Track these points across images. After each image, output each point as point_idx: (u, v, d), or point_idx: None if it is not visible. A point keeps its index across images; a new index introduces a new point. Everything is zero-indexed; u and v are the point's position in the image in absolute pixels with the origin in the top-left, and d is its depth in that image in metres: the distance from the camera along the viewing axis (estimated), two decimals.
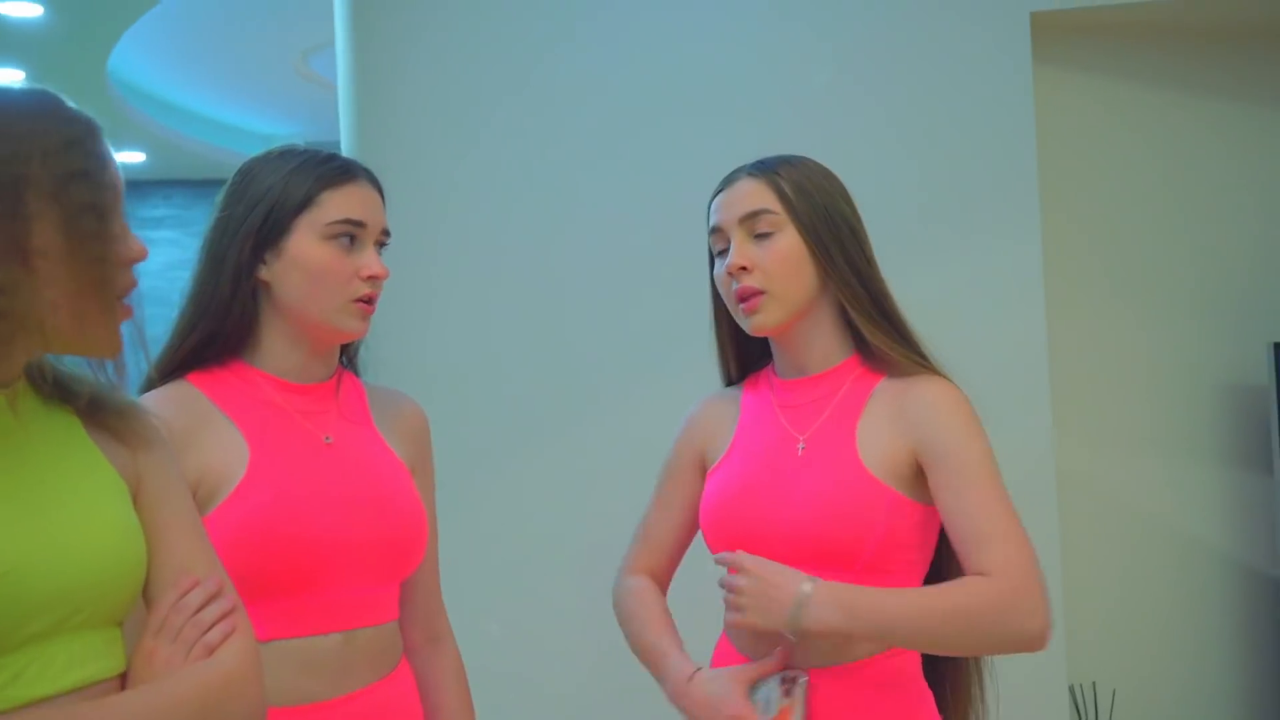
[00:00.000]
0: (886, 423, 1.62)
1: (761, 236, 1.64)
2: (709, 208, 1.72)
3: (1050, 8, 3.05)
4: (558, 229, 3.06)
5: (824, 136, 2.88)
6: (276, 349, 1.60)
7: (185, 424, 1.52)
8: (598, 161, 3.01)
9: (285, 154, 1.59)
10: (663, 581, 1.83)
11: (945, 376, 1.65)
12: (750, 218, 1.65)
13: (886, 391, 1.64)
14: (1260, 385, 3.30)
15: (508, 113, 3.05)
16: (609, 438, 2.99)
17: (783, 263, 1.63)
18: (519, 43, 3.05)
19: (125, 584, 1.22)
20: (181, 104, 7.50)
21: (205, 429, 1.54)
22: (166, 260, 9.02)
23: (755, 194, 1.66)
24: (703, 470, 1.78)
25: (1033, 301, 3.02)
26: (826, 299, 1.67)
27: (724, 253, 1.68)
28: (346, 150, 3.21)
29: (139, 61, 6.60)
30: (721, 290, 1.70)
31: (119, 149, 6.17)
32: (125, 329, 1.23)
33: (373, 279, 1.57)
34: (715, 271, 1.71)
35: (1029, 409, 2.98)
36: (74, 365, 1.27)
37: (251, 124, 7.80)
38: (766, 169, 1.67)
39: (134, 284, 1.21)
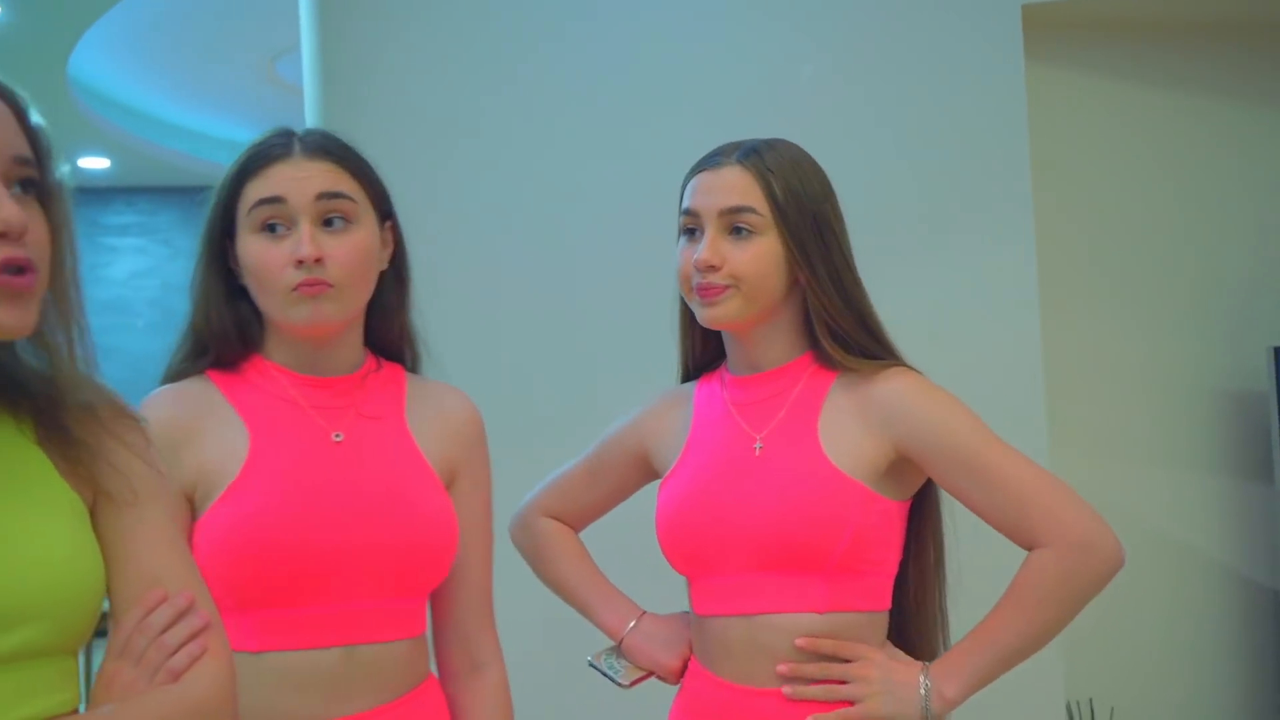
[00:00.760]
0: (851, 418, 1.55)
1: (739, 233, 1.55)
2: (686, 183, 1.61)
3: (1042, 1, 2.98)
4: (533, 231, 2.98)
5: (808, 134, 2.74)
6: (282, 344, 1.51)
7: (188, 420, 1.46)
8: (573, 162, 2.93)
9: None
10: None
11: (909, 368, 1.59)
12: (732, 213, 1.55)
13: (845, 387, 1.57)
14: (1260, 391, 3.25)
15: (478, 114, 2.97)
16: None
17: (756, 266, 1.54)
18: (491, 44, 2.98)
19: (81, 607, 1.11)
20: (146, 109, 7.39)
21: (209, 425, 1.46)
22: (131, 268, 8.93)
23: (742, 188, 1.56)
24: (641, 464, 1.72)
25: (1026, 306, 2.96)
26: (792, 300, 1.59)
27: (691, 234, 1.59)
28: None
29: (101, 66, 6.49)
30: (680, 270, 1.60)
31: (82, 155, 6.10)
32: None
33: (302, 264, 1.42)
34: (679, 249, 1.61)
35: (1023, 417, 2.91)
36: (29, 363, 1.15)
37: (218, 129, 7.68)
38: (758, 160, 1.57)
39: (10, 256, 1.05)
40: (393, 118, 3.03)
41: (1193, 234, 3.29)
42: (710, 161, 1.59)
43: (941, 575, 1.64)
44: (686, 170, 1.63)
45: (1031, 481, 1.51)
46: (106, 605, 1.18)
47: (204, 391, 1.49)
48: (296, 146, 1.46)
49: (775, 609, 1.53)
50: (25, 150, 1.10)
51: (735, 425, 1.60)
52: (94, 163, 8.17)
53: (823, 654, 1.51)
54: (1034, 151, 3.01)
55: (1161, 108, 3.28)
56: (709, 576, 1.58)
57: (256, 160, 1.45)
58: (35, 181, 1.10)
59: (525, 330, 2.98)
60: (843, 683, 1.51)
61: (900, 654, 1.56)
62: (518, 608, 1.87)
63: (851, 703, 1.51)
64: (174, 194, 8.80)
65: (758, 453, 1.57)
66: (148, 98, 7.23)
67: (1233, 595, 3.29)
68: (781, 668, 1.51)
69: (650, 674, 1.67)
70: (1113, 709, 3.17)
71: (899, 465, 1.55)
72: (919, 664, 1.53)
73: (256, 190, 1.44)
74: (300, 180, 1.44)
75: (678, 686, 1.67)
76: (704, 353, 1.71)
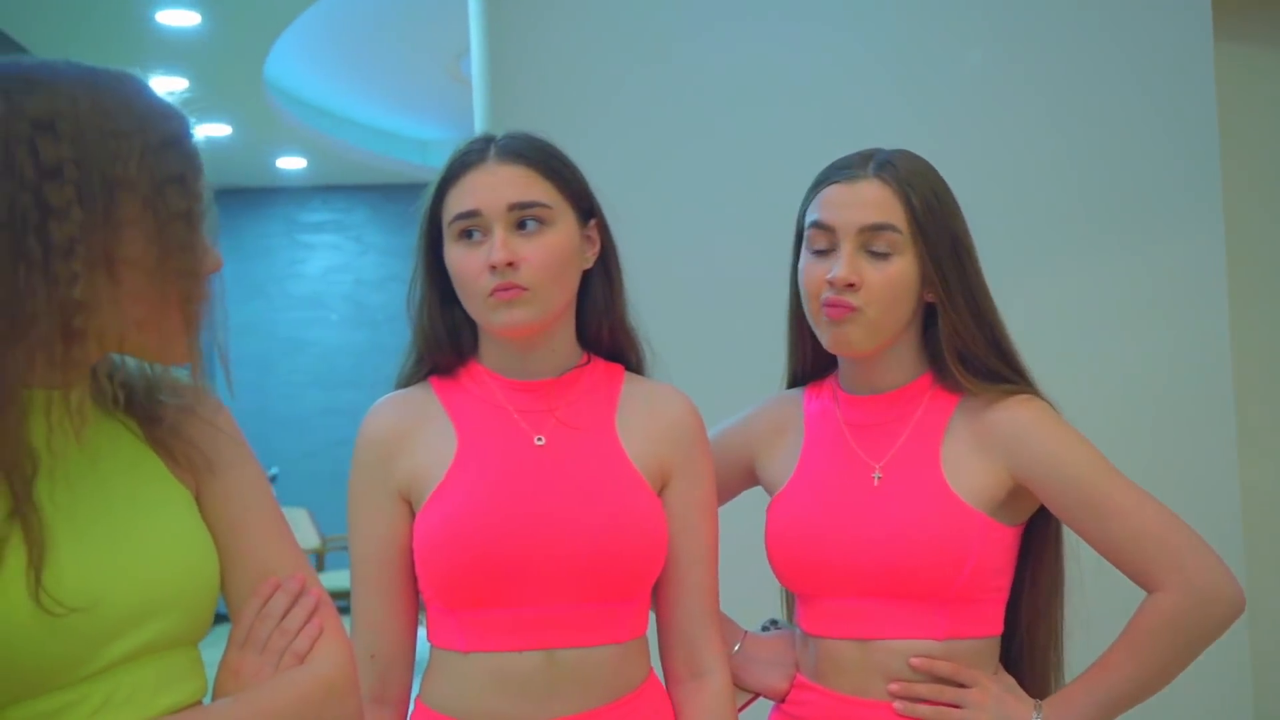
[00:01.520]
0: (972, 445, 1.51)
1: (879, 254, 1.49)
2: (814, 195, 1.54)
3: None
4: (693, 222, 2.94)
5: (975, 125, 2.69)
6: (493, 348, 1.54)
7: (404, 426, 1.52)
8: (734, 153, 2.88)
9: None
10: None
11: (1032, 391, 1.54)
12: (872, 230, 1.49)
13: (967, 412, 1.53)
14: None
15: (642, 105, 2.95)
16: None
17: (892, 290, 1.49)
18: (652, 36, 2.95)
19: (203, 598, 1.16)
20: (339, 110, 7.65)
21: (423, 430, 1.52)
22: (326, 264, 9.26)
23: (883, 205, 1.50)
24: (744, 470, 1.67)
25: (1215, 304, 2.79)
26: (916, 321, 1.55)
27: (822, 253, 1.52)
28: None
29: (295, 69, 6.73)
30: (806, 288, 1.53)
31: (280, 155, 6.34)
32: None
33: (495, 269, 1.44)
34: (803, 264, 1.55)
35: (1211, 420, 2.75)
36: (132, 365, 1.19)
37: (407, 129, 7.91)
38: (893, 171, 1.50)
39: (210, 296, 1.13)
40: (558, 108, 3.04)
41: None
42: (842, 174, 1.53)
43: (1057, 600, 1.60)
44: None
45: (1153, 522, 1.46)
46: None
47: (423, 398, 1.54)
48: (491, 153, 1.48)
49: (892, 635, 1.51)
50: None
51: (851, 450, 1.56)
52: (292, 163, 8.50)
53: (938, 676, 1.48)
54: (1223, 136, 2.84)
55: None
56: (821, 599, 1.55)
57: (454, 169, 1.49)
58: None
59: (690, 312, 2.96)
60: (955, 707, 1.48)
61: (1015, 687, 1.53)
62: None
63: None
64: (366, 192, 9.10)
65: (876, 483, 1.53)
66: (341, 99, 7.48)
67: None
68: (893, 686, 1.49)
69: (757, 696, 1.64)
70: None
71: (1016, 493, 1.51)
72: (1032, 701, 1.50)
73: (455, 200, 1.48)
74: (493, 189, 1.46)
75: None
76: (815, 363, 1.65)
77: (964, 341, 1.51)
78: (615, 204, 2.98)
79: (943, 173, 2.72)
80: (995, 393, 1.51)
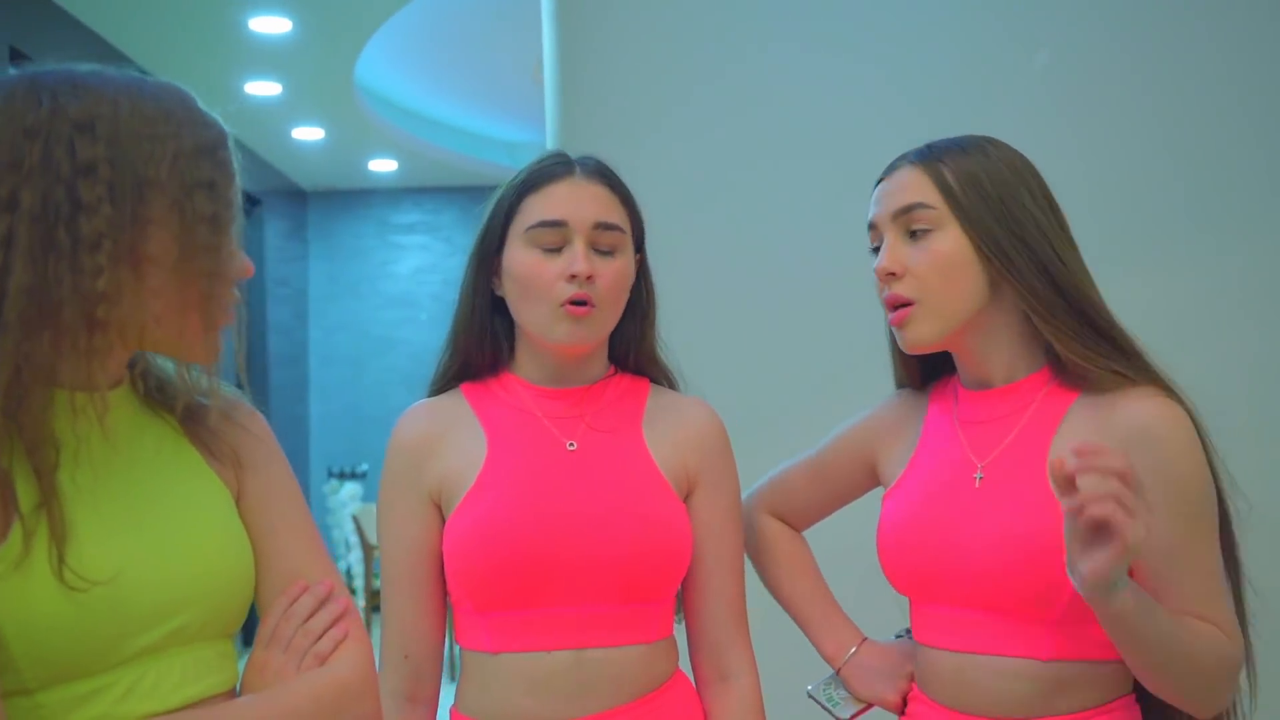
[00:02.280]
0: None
1: (917, 235, 1.43)
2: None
3: None
4: (762, 225, 2.94)
5: (1044, 127, 2.63)
6: (528, 359, 1.58)
7: (435, 430, 1.55)
8: (803, 156, 2.87)
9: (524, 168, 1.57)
10: None
11: (1165, 386, 1.41)
12: (904, 213, 1.44)
13: (1086, 409, 1.40)
14: None
15: (711, 109, 2.95)
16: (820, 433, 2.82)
17: (939, 268, 1.41)
18: (721, 39, 2.95)
19: (234, 592, 1.20)
20: (427, 113, 7.74)
21: (453, 435, 1.55)
22: (416, 264, 9.39)
23: (913, 185, 1.44)
24: (867, 468, 1.62)
25: None
26: (1004, 304, 1.44)
27: (876, 249, 1.49)
28: (552, 145, 3.18)
29: (385, 73, 6.82)
30: (879, 293, 1.49)
31: (372, 158, 6.42)
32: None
33: (575, 278, 1.48)
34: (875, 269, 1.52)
35: None
36: (171, 368, 1.24)
37: (493, 131, 7.97)
38: (930, 155, 1.45)
39: (237, 299, 1.18)
40: (628, 111, 3.06)
41: None
42: (887, 169, 1.51)
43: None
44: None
45: (1225, 588, 1.38)
46: None
47: (454, 405, 1.58)
48: (578, 169, 1.53)
49: (989, 650, 1.41)
50: None
51: (960, 448, 1.47)
52: (383, 165, 8.62)
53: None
54: None
55: None
56: (924, 605, 1.49)
57: (538, 178, 1.52)
58: None
59: (757, 314, 2.95)
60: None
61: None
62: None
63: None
64: (455, 193, 9.20)
65: (978, 484, 1.43)
66: (429, 102, 7.57)
67: None
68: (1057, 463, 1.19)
69: (871, 705, 1.59)
70: None
71: None
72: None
73: (537, 208, 1.51)
74: (580, 204, 1.51)
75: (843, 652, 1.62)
76: (923, 367, 1.59)
77: (1047, 319, 1.40)
78: (680, 208, 2.99)
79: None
80: (1117, 383, 1.39)
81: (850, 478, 1.65)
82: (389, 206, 9.36)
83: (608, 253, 1.52)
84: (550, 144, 3.30)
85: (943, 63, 2.78)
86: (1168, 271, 2.71)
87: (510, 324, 1.58)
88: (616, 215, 1.54)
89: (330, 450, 8.99)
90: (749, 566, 1.70)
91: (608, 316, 1.53)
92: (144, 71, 1.18)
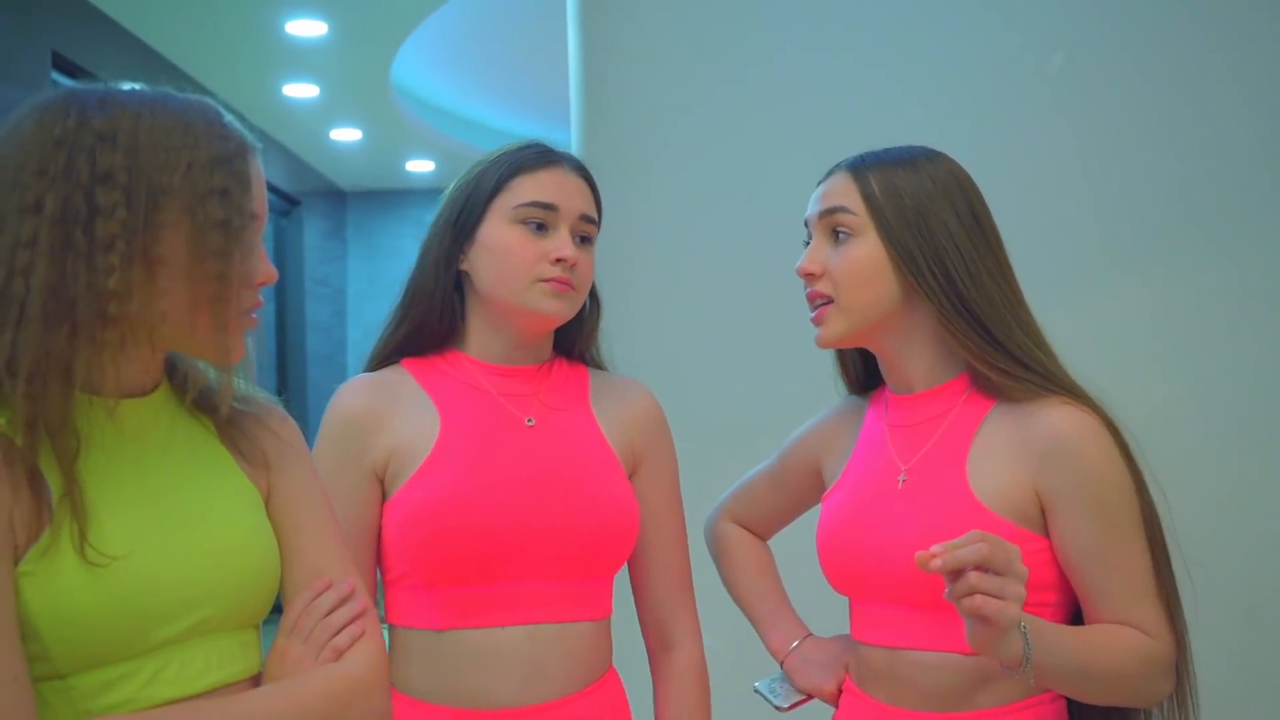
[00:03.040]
0: (1004, 451, 1.43)
1: (839, 237, 1.48)
2: None
3: None
4: (779, 225, 2.94)
5: (1059, 130, 2.63)
6: (483, 338, 1.60)
7: (381, 405, 1.56)
8: (821, 158, 2.87)
9: (498, 149, 1.61)
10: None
11: (1079, 399, 1.45)
12: (829, 214, 1.49)
13: (1002, 417, 1.45)
14: None
15: (731, 110, 2.97)
16: None
17: (853, 271, 1.46)
18: (743, 41, 2.97)
19: (258, 586, 1.25)
20: (463, 113, 7.79)
21: (402, 409, 1.56)
22: None
23: (840, 190, 1.49)
24: (816, 474, 1.67)
25: None
26: (919, 310, 1.48)
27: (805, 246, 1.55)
28: (574, 151, 3.21)
29: (421, 74, 6.88)
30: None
31: (410, 159, 6.47)
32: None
33: (561, 262, 1.53)
34: None
35: None
36: (212, 375, 1.30)
37: (529, 131, 8.00)
38: (861, 164, 1.50)
39: (258, 303, 1.24)
40: (649, 111, 3.08)
41: None
42: (826, 173, 1.55)
43: None
44: None
45: (1155, 585, 1.41)
46: None
47: (398, 379, 1.59)
48: (564, 162, 1.59)
49: (917, 645, 1.46)
50: None
51: (887, 451, 1.53)
52: (421, 165, 8.69)
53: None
54: None
55: None
56: (862, 602, 1.54)
57: (531, 160, 1.57)
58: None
59: (773, 319, 2.97)
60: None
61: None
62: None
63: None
64: None
65: (900, 485, 1.48)
66: (466, 103, 7.63)
67: None
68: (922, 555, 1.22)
69: (809, 697, 1.64)
70: None
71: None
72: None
73: (530, 188, 1.55)
74: (571, 194, 1.57)
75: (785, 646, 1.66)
76: (865, 369, 1.64)
77: (953, 329, 1.45)
78: (699, 206, 3.01)
79: (1029, 176, 2.67)
80: (1031, 394, 1.44)
81: (804, 485, 1.70)
82: (426, 207, 9.27)
83: (585, 242, 1.58)
84: (574, 144, 3.33)
85: (960, 69, 2.79)
86: (1172, 273, 2.70)
87: (462, 302, 1.60)
88: (595, 210, 1.61)
89: None
90: (713, 571, 1.78)
91: (580, 299, 1.59)
92: (186, 76, 1.24)
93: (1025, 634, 1.27)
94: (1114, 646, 1.38)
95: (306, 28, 5.74)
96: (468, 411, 1.56)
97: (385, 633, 1.54)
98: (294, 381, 8.22)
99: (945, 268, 1.45)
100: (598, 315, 1.69)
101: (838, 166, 1.54)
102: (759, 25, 2.96)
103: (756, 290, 2.93)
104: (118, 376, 1.18)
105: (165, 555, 1.17)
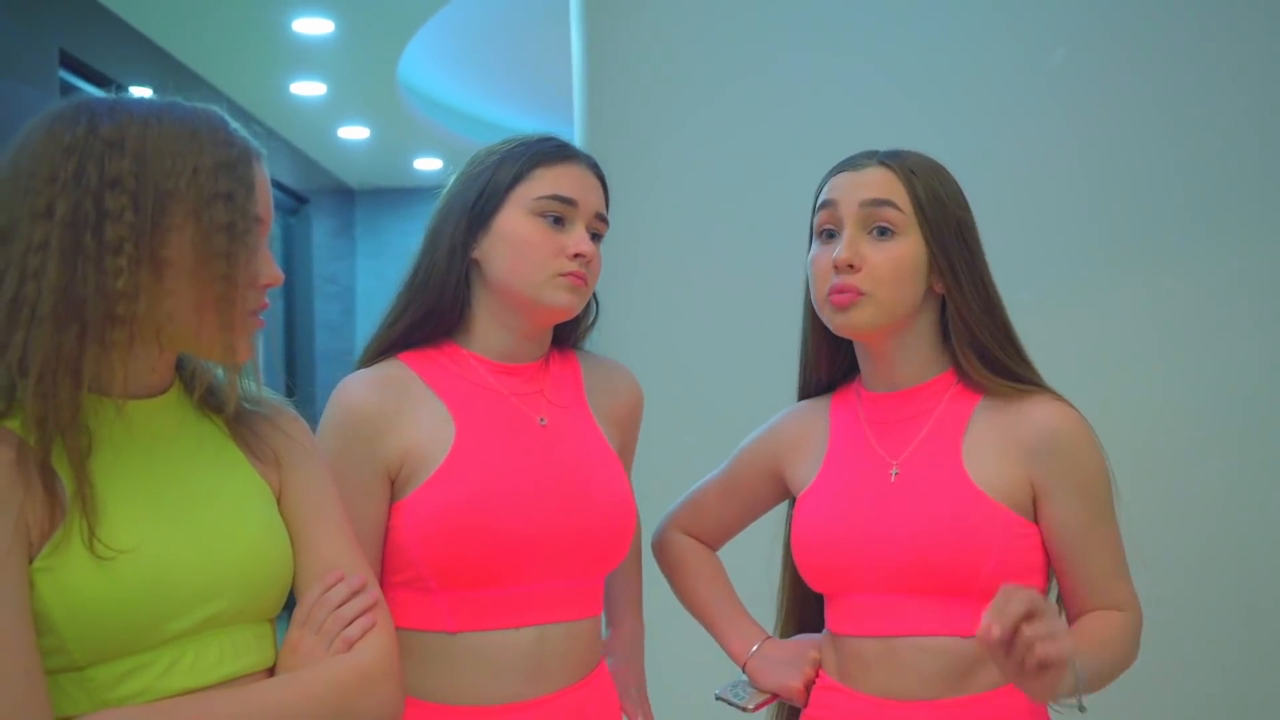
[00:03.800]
0: (996, 443, 1.49)
1: (880, 233, 1.50)
2: (823, 185, 1.58)
3: None
4: (782, 224, 2.96)
5: (1059, 126, 2.64)
6: (488, 330, 1.60)
7: (392, 404, 1.54)
8: (823, 157, 2.88)
9: (511, 138, 1.61)
10: None
11: (1056, 395, 1.53)
12: (873, 206, 1.50)
13: (990, 412, 1.52)
14: None
15: (734, 109, 2.98)
16: None
17: (897, 269, 1.50)
18: (746, 41, 2.98)
19: (271, 580, 1.28)
20: (471, 111, 7.79)
21: (413, 408, 1.54)
22: None
23: (885, 183, 1.51)
24: (774, 481, 1.69)
25: None
26: (928, 312, 1.54)
27: (828, 234, 1.55)
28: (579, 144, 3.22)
29: (428, 71, 6.89)
30: (813, 275, 1.56)
31: (417, 157, 6.47)
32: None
33: (579, 257, 1.55)
34: (810, 254, 1.57)
35: None
36: (221, 375, 1.34)
37: (537, 128, 8.00)
38: (898, 160, 1.53)
39: (264, 305, 1.27)
40: (651, 107, 3.09)
41: None
42: (850, 163, 1.56)
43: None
44: None
45: (1125, 564, 1.52)
46: None
47: (402, 376, 1.57)
48: (583, 159, 1.60)
49: (917, 631, 1.49)
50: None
51: (870, 448, 1.55)
52: (428, 164, 8.69)
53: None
54: None
55: None
56: (847, 596, 1.55)
57: (553, 153, 1.58)
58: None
59: (774, 315, 2.97)
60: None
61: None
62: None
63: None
64: None
65: (894, 479, 1.51)
66: (473, 100, 7.63)
67: None
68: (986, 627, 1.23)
69: (775, 697, 1.66)
70: None
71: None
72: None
73: (551, 181, 1.56)
74: (589, 191, 1.58)
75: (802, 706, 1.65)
76: (833, 368, 1.67)
77: (974, 329, 1.51)
78: (701, 204, 3.01)
79: (1029, 172, 2.70)
80: (1017, 391, 1.51)
81: (757, 492, 1.72)
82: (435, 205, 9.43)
83: (596, 239, 1.60)
84: (577, 142, 3.34)
85: (962, 66, 2.81)
86: (1171, 270, 2.71)
87: (468, 291, 1.59)
88: (606, 210, 1.63)
89: None
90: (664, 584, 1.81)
91: (589, 294, 1.62)
92: (193, 74, 1.28)
93: (1074, 664, 1.29)
94: (1117, 638, 1.47)
95: (313, 25, 5.75)
96: (481, 412, 1.56)
97: None
98: (302, 379, 8.24)
99: (976, 273, 1.52)
100: (596, 311, 1.72)
101: (866, 158, 1.55)
102: (760, 23, 2.97)
103: (756, 287, 2.94)
104: (127, 377, 1.21)
105: (177, 550, 1.20)
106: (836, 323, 1.53)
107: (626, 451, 1.70)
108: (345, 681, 1.24)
